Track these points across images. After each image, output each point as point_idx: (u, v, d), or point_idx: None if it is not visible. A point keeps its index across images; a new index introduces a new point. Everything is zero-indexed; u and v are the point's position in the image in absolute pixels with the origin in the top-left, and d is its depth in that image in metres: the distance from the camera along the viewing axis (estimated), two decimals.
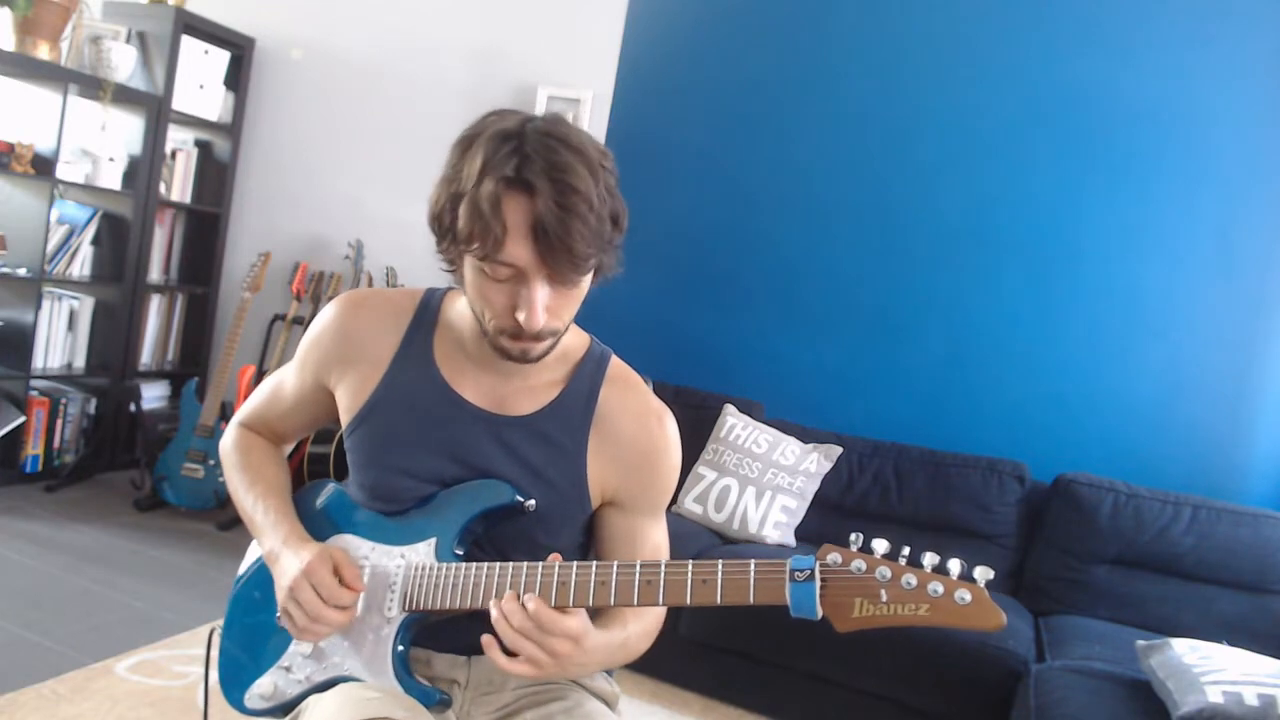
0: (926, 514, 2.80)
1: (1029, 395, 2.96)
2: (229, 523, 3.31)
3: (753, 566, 0.93)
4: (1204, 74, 2.76)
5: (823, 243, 3.20)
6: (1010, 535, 2.78)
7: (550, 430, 1.13)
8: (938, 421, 3.05)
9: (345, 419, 1.17)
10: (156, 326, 3.90)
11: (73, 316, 3.56)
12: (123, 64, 3.46)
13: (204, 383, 3.79)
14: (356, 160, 3.85)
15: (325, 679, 1.10)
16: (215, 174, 3.98)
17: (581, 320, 1.13)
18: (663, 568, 0.96)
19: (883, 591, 0.88)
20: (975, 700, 2.23)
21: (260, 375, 3.58)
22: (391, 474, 1.14)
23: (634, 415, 1.15)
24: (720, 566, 0.94)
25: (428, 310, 1.18)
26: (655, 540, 1.18)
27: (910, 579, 0.87)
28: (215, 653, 1.22)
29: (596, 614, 1.06)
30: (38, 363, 3.42)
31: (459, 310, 1.15)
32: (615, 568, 0.98)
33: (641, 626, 1.11)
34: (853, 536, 0.91)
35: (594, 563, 0.99)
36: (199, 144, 3.97)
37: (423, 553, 1.10)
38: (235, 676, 1.16)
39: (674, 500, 2.60)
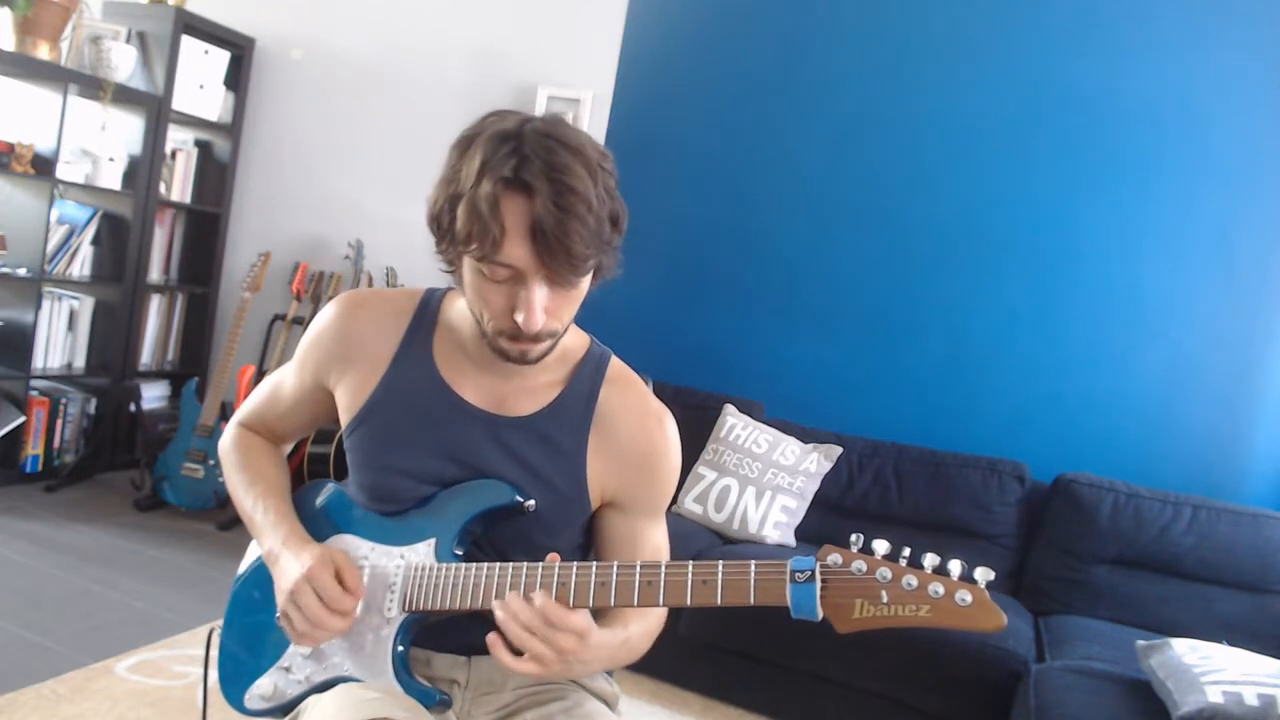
0: (926, 514, 2.80)
1: (1029, 395, 2.96)
2: (229, 523, 3.31)
3: (753, 568, 0.92)
4: (1204, 74, 2.76)
5: (823, 243, 3.20)
6: (1010, 535, 2.78)
7: (550, 431, 1.13)
8: (938, 421, 3.05)
9: (345, 419, 1.17)
10: (156, 326, 3.90)
11: (73, 316, 3.56)
12: (123, 64, 3.46)
13: (204, 383, 3.79)
14: (356, 160, 3.85)
15: (325, 679, 1.10)
16: (215, 174, 3.98)
17: (581, 320, 1.13)
18: (663, 569, 0.96)
19: (883, 593, 0.88)
20: (975, 700, 2.23)
21: (260, 375, 3.58)
22: (391, 474, 1.14)
23: (634, 416, 1.15)
24: (720, 567, 0.94)
25: (427, 310, 1.17)
26: (655, 542, 1.18)
27: (911, 580, 0.87)
28: (214, 653, 1.22)
29: (598, 615, 1.06)
30: (38, 363, 3.42)
31: (459, 310, 1.14)
32: (615, 568, 0.98)
33: (643, 626, 1.11)
34: (853, 537, 0.91)
35: (594, 563, 0.99)
36: (199, 144, 3.97)
37: (422, 553, 1.09)
38: (235, 676, 1.16)
39: (674, 500, 2.60)
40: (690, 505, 2.84)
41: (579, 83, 3.48)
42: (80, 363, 3.62)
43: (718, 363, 3.31)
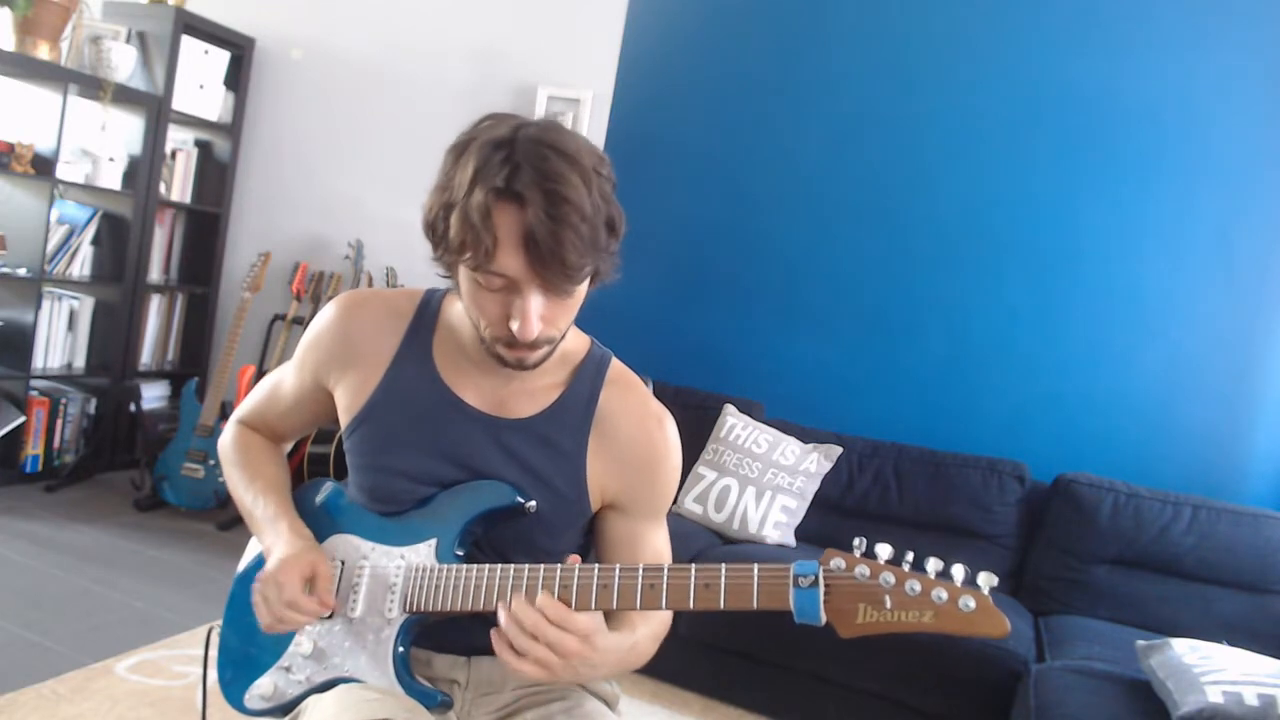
0: (926, 514, 2.80)
1: (1029, 395, 2.96)
2: (229, 522, 3.31)
3: (756, 572, 0.91)
4: (1204, 74, 2.76)
5: (823, 243, 3.19)
6: (1010, 535, 2.78)
7: (550, 433, 1.12)
8: (938, 421, 3.05)
9: (344, 420, 1.17)
10: (156, 326, 3.90)
11: (73, 316, 3.56)
12: (123, 64, 3.46)
13: (204, 383, 3.79)
14: (356, 160, 3.85)
15: (325, 679, 1.10)
16: (215, 174, 3.98)
17: (581, 320, 1.12)
18: (665, 572, 0.96)
19: (887, 598, 0.87)
20: (975, 700, 2.23)
21: (260, 375, 3.57)
22: (390, 475, 1.13)
23: (634, 418, 1.15)
24: (724, 571, 0.93)
25: (427, 311, 1.17)
26: (656, 545, 1.18)
27: (914, 585, 0.86)
28: (214, 652, 1.21)
29: (605, 620, 1.05)
30: (38, 363, 3.41)
31: (459, 312, 1.14)
32: (617, 571, 0.97)
33: (649, 630, 1.11)
34: (856, 541, 0.90)
35: (596, 565, 0.98)
36: (199, 144, 3.97)
37: (423, 554, 1.09)
38: (235, 676, 1.16)
39: (674, 501, 2.60)
40: (690, 505, 2.84)
41: (579, 83, 3.48)
42: (80, 363, 3.62)
43: (718, 363, 3.31)
